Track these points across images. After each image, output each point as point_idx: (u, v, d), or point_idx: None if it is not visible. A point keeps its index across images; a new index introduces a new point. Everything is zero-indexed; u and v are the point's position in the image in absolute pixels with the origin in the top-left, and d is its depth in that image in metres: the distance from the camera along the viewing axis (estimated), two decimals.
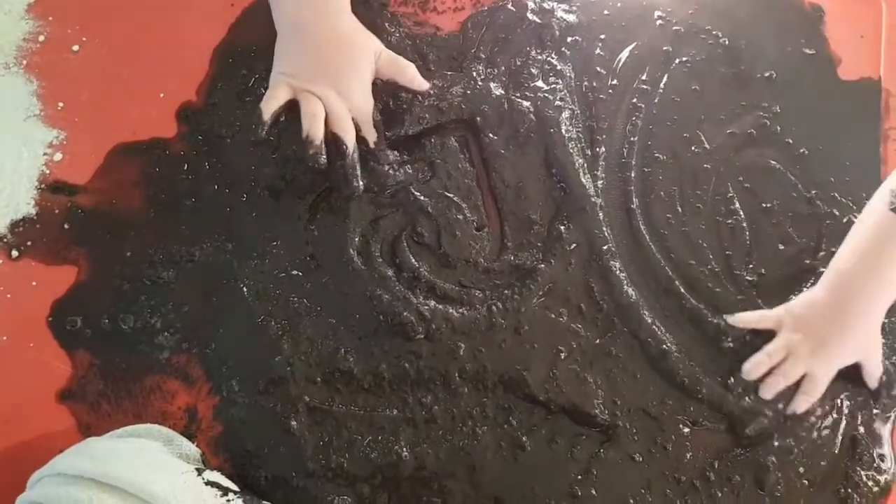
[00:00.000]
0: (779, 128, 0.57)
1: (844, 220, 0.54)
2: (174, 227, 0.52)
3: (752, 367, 0.51)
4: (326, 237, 0.52)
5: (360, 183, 0.51)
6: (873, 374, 0.51)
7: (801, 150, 0.57)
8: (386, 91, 0.54)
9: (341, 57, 0.51)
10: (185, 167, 0.53)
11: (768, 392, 0.50)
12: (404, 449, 0.48)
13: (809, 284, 0.53)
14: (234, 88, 0.55)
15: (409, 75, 0.53)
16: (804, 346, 0.50)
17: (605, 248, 0.53)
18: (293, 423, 0.48)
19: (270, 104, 0.50)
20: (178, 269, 0.51)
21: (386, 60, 0.52)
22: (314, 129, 0.49)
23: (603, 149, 0.55)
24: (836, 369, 0.51)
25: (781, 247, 0.54)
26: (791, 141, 0.57)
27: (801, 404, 0.50)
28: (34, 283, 0.50)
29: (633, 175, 0.55)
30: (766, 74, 0.58)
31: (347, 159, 0.50)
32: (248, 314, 0.50)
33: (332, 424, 0.49)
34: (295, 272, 0.51)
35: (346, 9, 0.51)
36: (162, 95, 0.54)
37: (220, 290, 0.51)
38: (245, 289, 0.51)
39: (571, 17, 0.57)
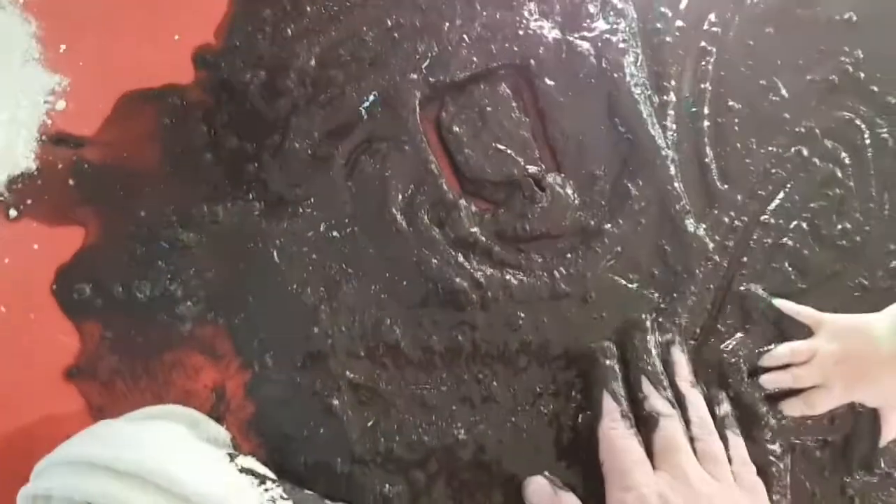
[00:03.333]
0: (862, 75, 0.51)
1: None
2: (194, 183, 0.46)
3: (769, 357, 0.45)
4: (367, 194, 0.46)
5: None
6: (891, 428, 0.46)
7: (888, 100, 0.51)
8: (429, 32, 0.48)
9: None
10: (204, 117, 0.47)
11: (769, 384, 0.45)
12: (461, 431, 0.43)
13: None
14: (257, 28, 0.48)
15: None
16: (831, 360, 0.44)
17: (678, 206, 0.47)
18: (335, 402, 0.43)
19: None
20: (200, 231, 0.45)
21: None
22: None
23: (672, 96, 0.50)
24: (849, 401, 0.45)
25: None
26: (876, 89, 0.51)
27: (795, 410, 0.45)
28: (35, 247, 0.44)
29: (705, 126, 0.49)
30: (846, 16, 0.52)
31: None
32: (280, 281, 0.44)
33: (378, 404, 0.43)
34: (332, 234, 0.45)
35: None
36: (177, 37, 0.48)
37: (248, 254, 0.45)
38: (276, 252, 0.45)
39: None
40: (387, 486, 0.42)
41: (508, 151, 0.47)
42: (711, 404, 0.43)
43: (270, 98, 0.47)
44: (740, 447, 0.42)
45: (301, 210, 0.45)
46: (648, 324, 0.44)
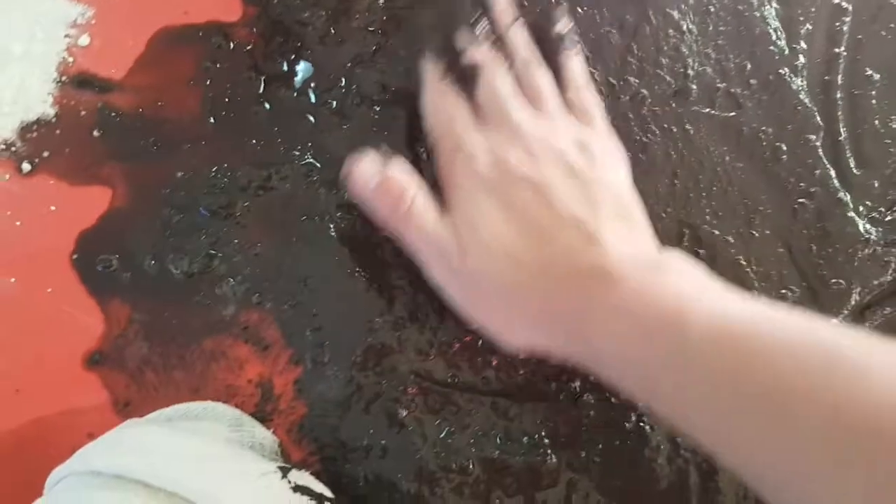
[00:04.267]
0: None
1: None
2: (241, 140, 0.39)
3: None
4: None
5: None
6: None
7: None
8: None
9: None
10: (255, 62, 0.39)
11: None
12: (549, 452, 0.36)
13: None
14: None
15: None
16: None
17: None
18: (401, 408, 0.36)
19: None
20: (248, 198, 0.38)
21: None
22: None
23: (802, 60, 0.42)
24: None
25: None
26: None
27: None
28: (53, 208, 0.37)
29: (839, 97, 0.42)
30: None
31: None
32: (339, 261, 0.38)
33: (452, 412, 0.36)
34: None
35: None
36: None
37: (303, 227, 0.38)
38: (333, 227, 0.38)
39: None
40: None
41: None
42: (546, 26, 0.38)
43: (334, 43, 0.40)
44: (575, 69, 0.37)
45: None
46: None
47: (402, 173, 0.34)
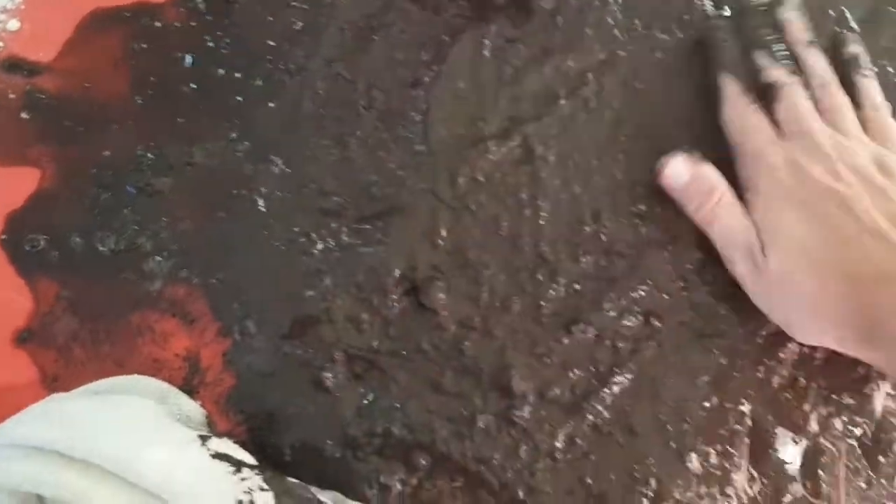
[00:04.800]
0: None
1: None
2: (168, 119, 0.39)
3: None
4: None
5: None
6: None
7: None
8: None
9: None
10: (182, 41, 0.40)
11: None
12: (479, 418, 0.36)
13: None
14: None
15: None
16: None
17: None
18: (328, 375, 0.36)
19: None
20: (175, 175, 0.39)
21: None
22: None
23: None
24: None
25: None
26: None
27: None
28: None
29: None
30: None
31: None
32: (267, 235, 0.38)
33: (378, 379, 0.37)
34: (337, 185, 0.39)
35: None
36: None
37: (231, 202, 0.38)
38: (262, 201, 0.38)
39: None
40: (384, 473, 0.35)
41: None
42: (836, 49, 0.40)
43: (261, 18, 0.40)
44: (870, 89, 0.39)
45: (293, 152, 0.39)
46: None
47: (712, 171, 0.37)
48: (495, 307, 0.37)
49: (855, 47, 0.40)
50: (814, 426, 0.38)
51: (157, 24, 0.40)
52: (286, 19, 0.40)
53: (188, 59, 0.40)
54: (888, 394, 0.39)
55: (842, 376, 0.38)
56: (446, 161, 0.39)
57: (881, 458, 0.38)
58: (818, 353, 0.38)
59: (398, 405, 0.36)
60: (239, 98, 0.40)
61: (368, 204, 0.38)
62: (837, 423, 0.38)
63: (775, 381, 0.38)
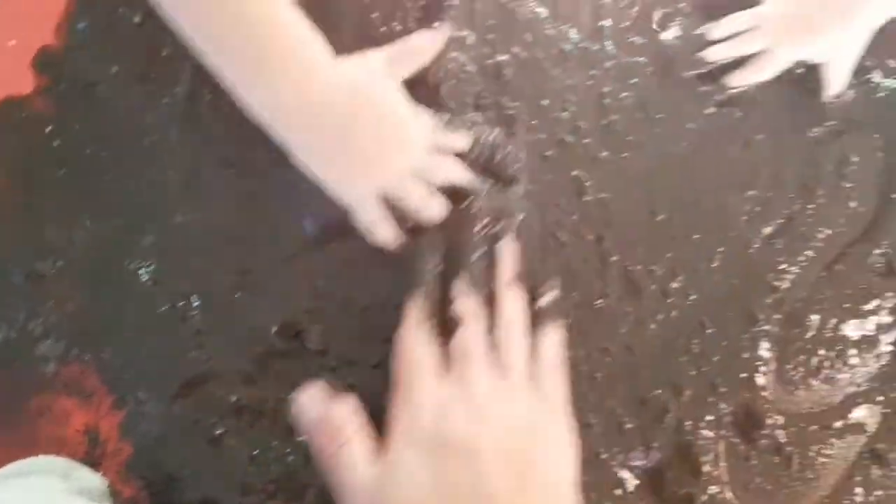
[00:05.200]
0: None
1: None
2: (44, 206, 0.41)
3: (716, 27, 0.44)
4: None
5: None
6: (835, 82, 0.44)
7: None
8: None
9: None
10: (51, 129, 0.42)
11: (714, 55, 0.43)
12: None
13: None
14: (100, 21, 0.43)
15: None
16: (780, 21, 0.43)
17: None
18: (219, 430, 0.38)
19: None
20: (56, 258, 0.40)
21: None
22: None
23: None
24: (798, 57, 0.43)
25: None
26: None
27: (741, 79, 0.43)
28: None
29: None
30: None
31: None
32: (148, 303, 0.40)
33: (267, 426, 0.38)
34: (210, 242, 0.40)
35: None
36: (12, 43, 0.43)
37: (111, 277, 0.40)
38: (142, 272, 0.40)
39: None
40: None
41: None
42: (536, 293, 0.39)
43: (123, 97, 0.42)
44: (553, 346, 0.38)
45: (168, 221, 0.40)
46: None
47: (343, 411, 0.35)
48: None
49: (552, 296, 0.39)
50: None
51: (24, 114, 0.42)
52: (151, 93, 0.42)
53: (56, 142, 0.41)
54: None
55: None
56: None
57: None
58: None
59: (289, 449, 0.38)
60: (109, 176, 0.41)
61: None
62: None
63: None
